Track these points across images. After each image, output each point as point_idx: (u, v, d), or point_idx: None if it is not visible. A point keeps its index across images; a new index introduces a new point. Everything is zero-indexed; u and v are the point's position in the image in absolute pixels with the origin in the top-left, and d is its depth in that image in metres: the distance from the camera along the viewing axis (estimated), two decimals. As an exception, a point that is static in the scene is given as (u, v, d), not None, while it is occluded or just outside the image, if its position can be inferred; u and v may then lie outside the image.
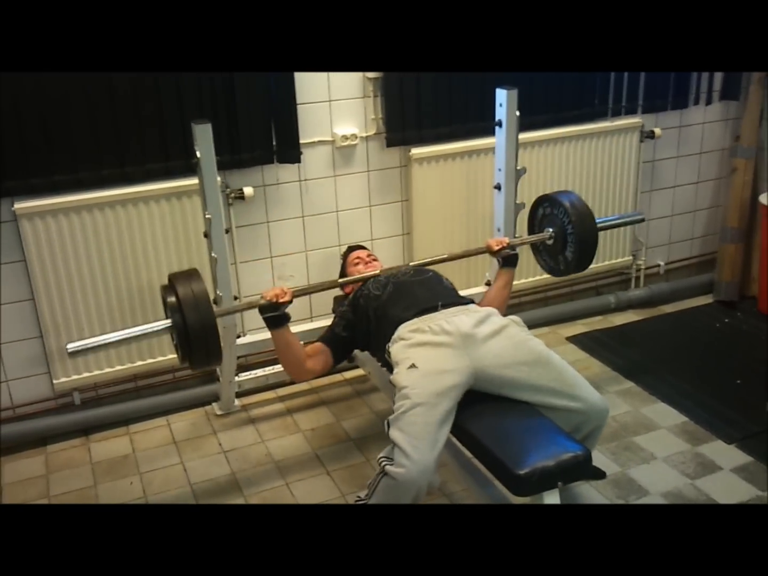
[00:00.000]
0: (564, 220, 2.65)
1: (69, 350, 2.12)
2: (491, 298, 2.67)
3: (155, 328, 2.18)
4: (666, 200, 3.80)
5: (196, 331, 2.09)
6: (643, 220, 3.10)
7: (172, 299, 2.13)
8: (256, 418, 3.00)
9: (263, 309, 2.28)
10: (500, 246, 2.64)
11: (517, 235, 2.91)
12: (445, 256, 2.65)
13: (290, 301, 2.28)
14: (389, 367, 2.28)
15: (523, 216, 2.91)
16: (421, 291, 2.43)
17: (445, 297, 2.41)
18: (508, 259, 2.67)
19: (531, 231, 2.83)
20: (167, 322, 2.17)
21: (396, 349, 2.25)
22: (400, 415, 2.05)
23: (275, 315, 2.27)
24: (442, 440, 2.05)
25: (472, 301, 2.46)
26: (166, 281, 2.86)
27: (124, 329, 2.22)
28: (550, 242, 2.73)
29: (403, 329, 2.28)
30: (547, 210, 2.74)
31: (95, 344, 2.16)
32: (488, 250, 2.67)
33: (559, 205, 2.66)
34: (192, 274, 2.18)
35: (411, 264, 2.64)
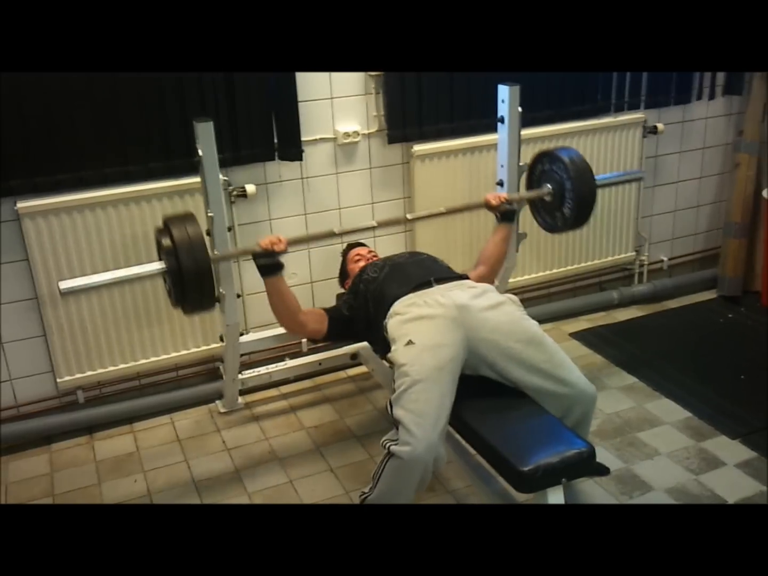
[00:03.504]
0: (563, 176, 2.62)
1: (62, 289, 2.13)
2: (488, 252, 2.73)
3: (149, 271, 2.18)
4: (669, 195, 3.79)
5: (191, 275, 2.07)
6: (642, 178, 3.10)
7: (166, 242, 2.11)
8: (260, 415, 3.00)
9: (257, 256, 2.34)
10: (498, 201, 2.67)
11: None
12: (443, 210, 2.67)
13: (285, 250, 2.35)
14: (386, 350, 2.28)
15: (524, 211, 2.91)
16: (415, 269, 2.47)
17: (439, 273, 2.45)
18: (505, 215, 2.71)
19: (529, 187, 2.82)
20: (161, 265, 2.16)
21: (392, 324, 2.27)
22: (402, 393, 2.07)
23: (269, 262, 2.34)
24: (445, 415, 2.07)
25: (466, 277, 2.48)
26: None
27: (117, 272, 2.26)
28: (548, 198, 2.71)
29: (398, 305, 2.31)
30: (546, 166, 2.71)
31: (88, 285, 2.17)
32: (486, 205, 2.70)
33: (558, 161, 2.64)
34: (187, 217, 2.17)
35: (408, 216, 2.80)
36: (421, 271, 2.44)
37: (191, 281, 2.09)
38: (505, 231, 2.72)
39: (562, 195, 2.65)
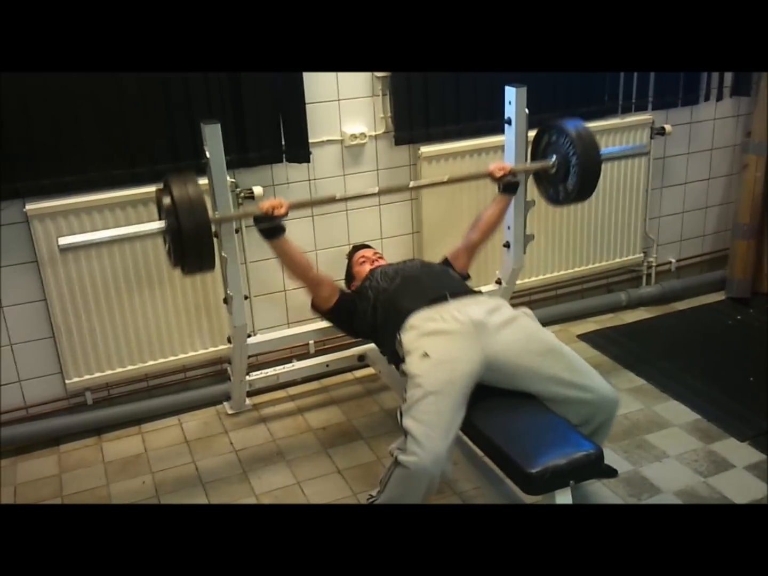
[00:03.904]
0: (568, 149, 2.61)
1: (60, 246, 2.15)
2: (484, 219, 2.75)
3: (149, 229, 2.19)
4: (677, 197, 3.78)
5: (190, 232, 2.08)
6: (648, 153, 3.09)
7: (167, 200, 2.11)
8: (267, 417, 3.01)
9: (258, 219, 2.37)
10: (502, 172, 2.66)
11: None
12: (446, 178, 2.68)
13: (286, 214, 2.36)
14: (397, 361, 2.28)
15: (531, 211, 2.91)
16: (429, 281, 2.47)
17: (453, 287, 2.44)
18: (508, 186, 2.71)
19: (534, 158, 2.80)
20: (161, 224, 2.17)
21: (408, 338, 2.26)
22: (413, 404, 2.07)
23: (270, 226, 2.36)
24: (455, 429, 2.07)
25: (480, 292, 2.47)
26: (176, 281, 2.87)
27: (117, 230, 2.31)
28: (552, 170, 2.70)
29: (414, 318, 2.29)
30: (552, 137, 2.70)
31: (87, 241, 2.19)
32: (491, 176, 2.70)
33: (564, 133, 2.62)
34: (188, 177, 2.17)
35: (411, 184, 2.80)
36: (435, 284, 2.43)
37: (190, 241, 2.09)
38: (504, 202, 2.74)
39: (567, 167, 2.64)
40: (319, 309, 2.66)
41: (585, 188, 2.65)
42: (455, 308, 2.28)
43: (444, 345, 2.19)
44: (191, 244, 2.10)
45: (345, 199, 2.82)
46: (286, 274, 2.54)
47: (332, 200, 2.69)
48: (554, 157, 2.68)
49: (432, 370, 2.12)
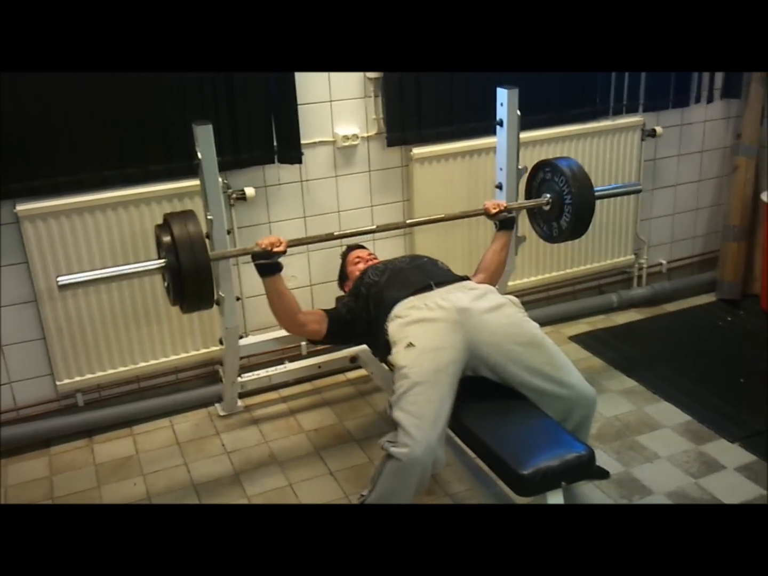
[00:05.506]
0: (563, 187, 2.63)
1: (59, 283, 2.14)
2: (488, 260, 2.71)
3: (148, 267, 2.19)
4: (668, 199, 3.79)
5: (190, 272, 2.08)
6: (640, 191, 3.13)
7: (166, 239, 2.11)
8: (259, 418, 3.00)
9: (257, 256, 2.35)
10: (497, 209, 2.67)
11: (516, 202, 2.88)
12: (442, 215, 2.67)
13: (284, 251, 2.34)
14: (387, 352, 2.28)
15: (522, 214, 2.91)
16: (415, 273, 2.48)
17: (439, 276, 2.46)
18: (504, 222, 2.71)
19: (528, 195, 2.82)
20: (160, 262, 2.17)
21: (393, 327, 2.28)
22: (401, 395, 2.08)
23: (268, 262, 2.34)
24: (444, 417, 2.08)
25: (467, 278, 2.49)
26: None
27: (116, 267, 2.29)
28: (546, 208, 2.72)
29: (399, 308, 2.32)
30: (546, 175, 2.72)
31: (85, 278, 2.18)
32: (486, 213, 2.70)
33: (558, 172, 2.65)
34: (188, 215, 2.17)
35: (407, 221, 2.80)
36: (421, 275, 2.45)
37: (190, 279, 2.10)
38: (504, 239, 2.72)
39: (561, 205, 2.66)
40: (316, 341, 2.62)
41: (579, 226, 2.67)
42: (440, 296, 2.31)
43: (428, 333, 2.20)
44: (191, 284, 2.11)
45: (342, 236, 2.70)
46: (275, 315, 2.46)
47: (331, 237, 2.63)
48: (548, 195, 2.69)
49: (418, 359, 2.13)
